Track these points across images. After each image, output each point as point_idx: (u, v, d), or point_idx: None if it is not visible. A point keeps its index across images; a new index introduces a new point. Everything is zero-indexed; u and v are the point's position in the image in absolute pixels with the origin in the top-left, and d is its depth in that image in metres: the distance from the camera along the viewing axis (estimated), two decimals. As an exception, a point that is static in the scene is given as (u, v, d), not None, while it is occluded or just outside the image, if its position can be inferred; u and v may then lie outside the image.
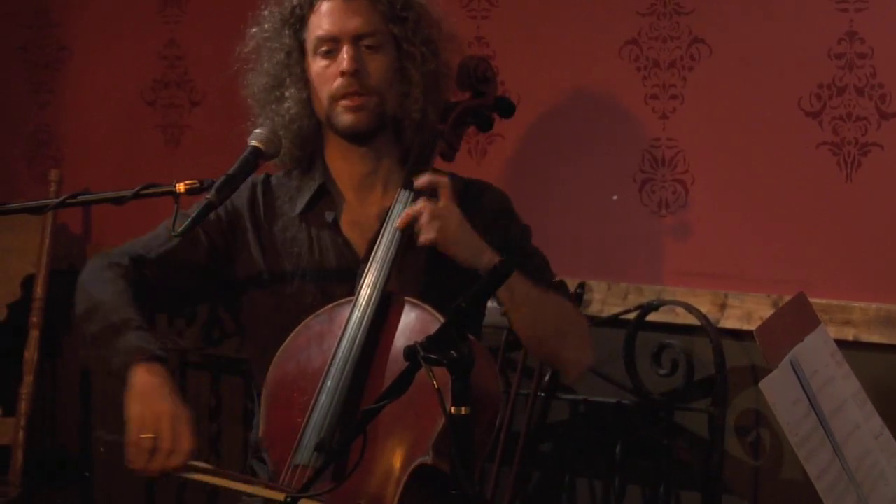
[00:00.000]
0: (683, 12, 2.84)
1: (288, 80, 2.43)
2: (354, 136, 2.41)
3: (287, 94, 2.43)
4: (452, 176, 2.49)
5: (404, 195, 2.34)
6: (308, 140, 2.46)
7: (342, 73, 2.36)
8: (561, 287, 2.46)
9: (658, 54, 2.87)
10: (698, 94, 2.84)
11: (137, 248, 2.42)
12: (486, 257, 2.28)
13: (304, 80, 2.42)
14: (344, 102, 2.37)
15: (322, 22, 2.38)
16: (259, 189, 2.50)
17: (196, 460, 2.17)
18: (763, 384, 1.92)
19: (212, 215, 2.35)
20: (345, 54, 2.36)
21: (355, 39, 2.37)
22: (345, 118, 2.38)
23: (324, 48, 2.38)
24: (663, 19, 2.86)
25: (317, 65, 2.40)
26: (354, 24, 2.37)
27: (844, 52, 2.68)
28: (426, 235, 2.27)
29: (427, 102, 2.41)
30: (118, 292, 2.33)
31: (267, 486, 2.17)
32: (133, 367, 2.20)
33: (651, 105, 2.89)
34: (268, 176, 2.52)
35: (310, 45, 2.40)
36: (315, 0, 2.40)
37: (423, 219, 2.27)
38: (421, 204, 2.29)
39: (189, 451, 2.15)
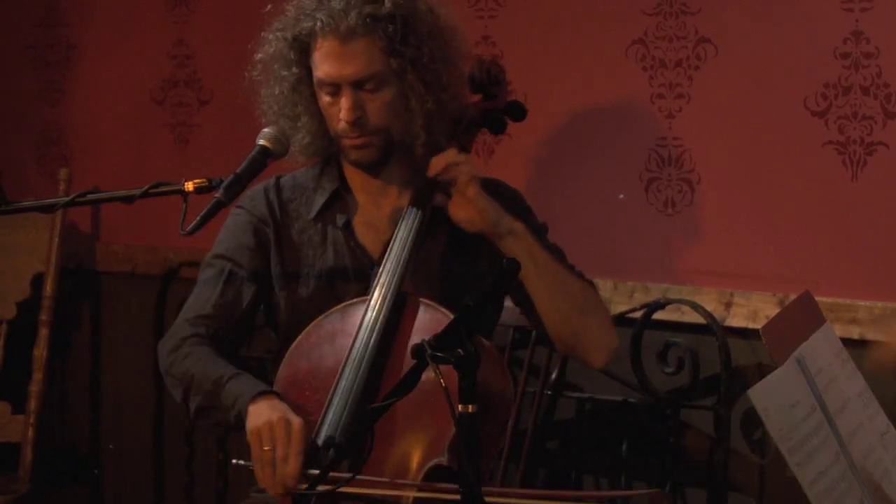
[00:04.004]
0: (690, 12, 2.84)
1: (300, 106, 2.42)
2: (363, 168, 2.43)
3: (299, 123, 2.42)
4: None
5: (412, 213, 2.35)
6: (323, 153, 2.48)
7: (344, 120, 2.35)
8: (582, 276, 2.45)
9: (664, 54, 2.88)
10: (704, 94, 2.84)
11: (190, 313, 2.43)
12: (506, 221, 2.31)
13: (316, 107, 2.41)
14: (348, 142, 2.38)
15: (322, 64, 2.35)
16: (272, 194, 2.50)
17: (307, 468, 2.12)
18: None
19: (243, 245, 2.44)
20: (343, 103, 2.34)
21: (354, 85, 2.33)
22: (351, 154, 2.40)
23: (326, 89, 2.37)
24: (670, 19, 2.87)
25: (322, 100, 2.39)
26: (352, 69, 2.32)
27: (850, 51, 2.68)
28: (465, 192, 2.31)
29: (432, 127, 2.39)
30: (199, 359, 2.34)
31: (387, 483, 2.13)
32: (246, 409, 2.20)
33: (657, 104, 2.89)
34: (278, 178, 2.53)
35: (315, 79, 2.38)
36: (316, 33, 2.35)
37: (462, 170, 2.31)
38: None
39: (298, 452, 2.11)
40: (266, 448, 2.12)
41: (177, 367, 2.36)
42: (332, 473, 2.02)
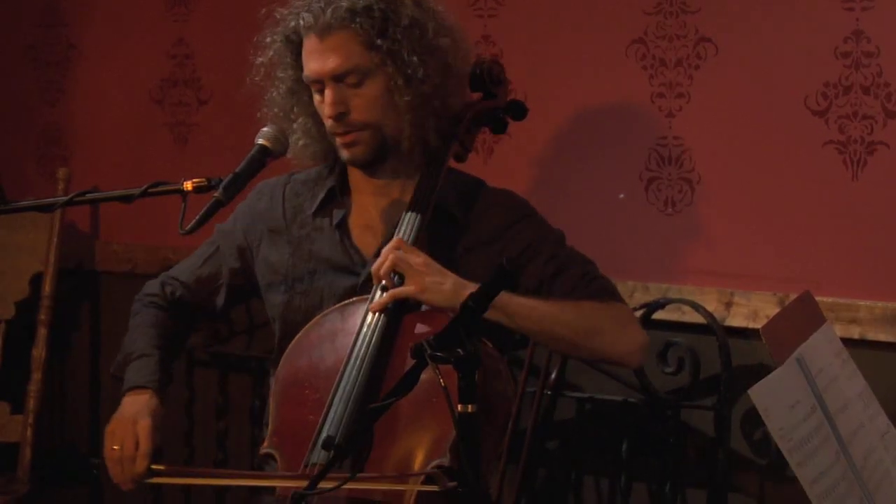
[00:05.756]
0: (690, 11, 2.85)
1: (296, 108, 2.44)
2: (357, 167, 2.43)
3: (295, 125, 2.44)
4: (476, 181, 2.51)
5: (411, 217, 2.34)
6: (323, 156, 2.49)
7: (327, 116, 2.36)
8: (591, 283, 2.40)
9: (664, 53, 2.88)
10: (704, 93, 2.85)
11: (173, 272, 2.59)
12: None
13: (313, 108, 2.42)
14: (338, 139, 2.38)
15: (306, 62, 2.36)
16: (279, 189, 2.54)
17: (172, 462, 2.34)
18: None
19: (230, 235, 2.54)
20: (326, 98, 2.34)
21: (336, 79, 2.33)
22: (343, 153, 2.40)
23: (314, 87, 2.38)
24: (670, 18, 2.87)
25: (314, 98, 2.40)
26: (332, 64, 2.32)
27: (851, 50, 2.68)
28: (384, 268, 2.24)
29: (418, 122, 2.37)
30: (137, 325, 2.52)
31: (243, 475, 2.26)
32: (124, 398, 2.40)
33: (657, 104, 2.89)
34: (291, 175, 2.56)
35: (304, 79, 2.40)
36: (301, 32, 2.37)
37: (384, 270, 2.24)
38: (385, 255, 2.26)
39: (145, 453, 2.27)
40: (115, 447, 2.29)
41: (130, 320, 2.55)
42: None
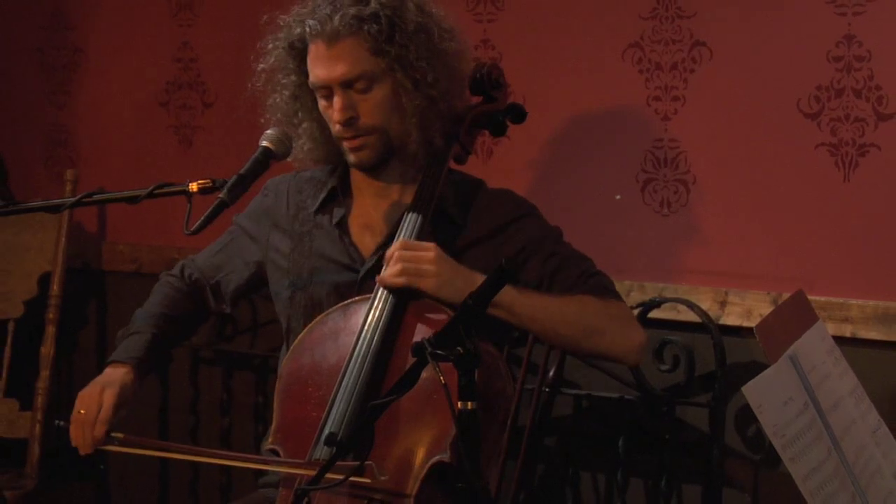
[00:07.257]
0: (685, 16, 2.87)
1: (301, 113, 2.46)
2: (363, 170, 2.46)
3: (300, 129, 2.46)
4: (476, 182, 2.54)
5: (412, 217, 2.36)
6: (329, 159, 2.52)
7: (336, 122, 2.38)
8: (590, 279, 2.43)
9: (660, 57, 2.90)
10: (699, 96, 2.87)
11: (196, 255, 2.66)
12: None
13: (318, 113, 2.44)
14: (345, 144, 2.41)
15: (313, 68, 2.38)
16: (285, 185, 2.58)
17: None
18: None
19: (244, 230, 2.59)
20: (335, 104, 2.37)
21: (344, 85, 2.35)
22: (350, 157, 2.43)
23: (320, 92, 2.40)
24: (665, 23, 2.89)
25: (320, 104, 2.42)
26: (340, 70, 2.34)
27: (842, 54, 2.71)
28: (393, 278, 2.26)
29: (425, 125, 2.40)
30: (148, 301, 2.60)
31: (203, 453, 2.37)
32: (105, 369, 2.47)
33: (653, 107, 2.92)
34: (298, 173, 2.58)
35: (310, 84, 2.42)
36: (307, 39, 2.38)
37: (392, 262, 2.28)
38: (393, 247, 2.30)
39: (104, 420, 2.36)
40: (81, 411, 2.38)
41: (150, 296, 2.64)
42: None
